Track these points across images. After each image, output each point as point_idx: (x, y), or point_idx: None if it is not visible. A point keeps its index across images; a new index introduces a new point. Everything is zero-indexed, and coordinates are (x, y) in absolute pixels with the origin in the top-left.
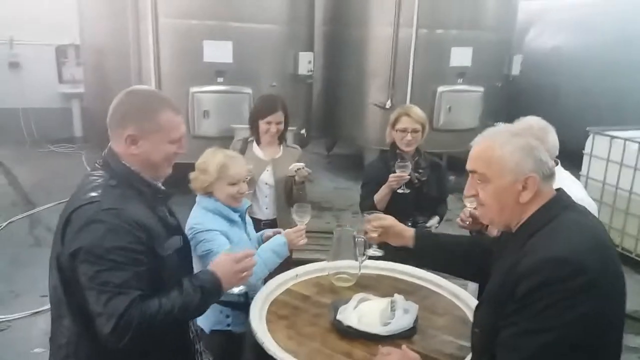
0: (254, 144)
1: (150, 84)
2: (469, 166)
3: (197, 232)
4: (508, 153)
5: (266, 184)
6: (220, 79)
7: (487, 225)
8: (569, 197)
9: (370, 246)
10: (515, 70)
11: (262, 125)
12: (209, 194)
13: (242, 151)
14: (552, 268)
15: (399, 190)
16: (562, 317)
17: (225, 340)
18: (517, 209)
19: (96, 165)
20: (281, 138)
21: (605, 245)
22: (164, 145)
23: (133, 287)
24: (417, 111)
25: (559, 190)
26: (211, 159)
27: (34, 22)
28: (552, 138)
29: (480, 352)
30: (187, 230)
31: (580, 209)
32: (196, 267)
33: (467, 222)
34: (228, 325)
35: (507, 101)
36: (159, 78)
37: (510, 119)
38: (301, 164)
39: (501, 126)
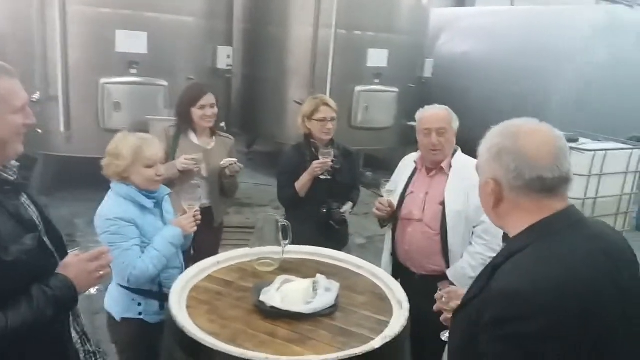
0: (190, 132)
1: (56, 74)
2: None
3: (104, 220)
4: (483, 151)
5: (200, 175)
6: (133, 70)
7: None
8: (571, 218)
9: (286, 237)
10: (428, 72)
11: (196, 111)
12: (123, 179)
13: (177, 137)
14: (504, 303)
15: (322, 177)
16: None
17: (137, 329)
18: (492, 211)
19: None
20: (214, 128)
21: (594, 278)
22: (7, 118)
23: None
24: (332, 101)
25: (565, 210)
26: (124, 143)
27: None
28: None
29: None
30: (95, 218)
31: (587, 232)
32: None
33: (385, 212)
34: (140, 313)
35: (420, 102)
36: (67, 67)
37: None
38: (233, 160)
39: (508, 122)
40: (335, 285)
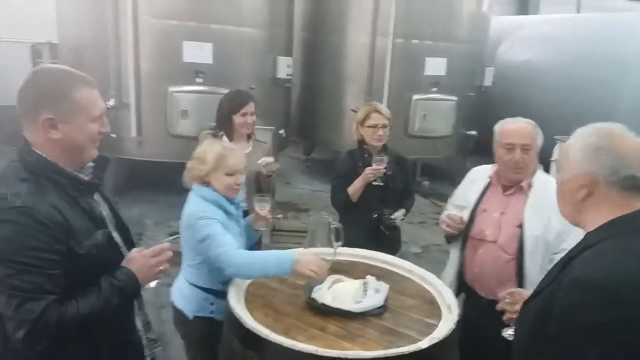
0: (224, 138)
1: (128, 83)
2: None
3: (198, 219)
4: (578, 148)
5: None
6: (199, 80)
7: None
8: None
9: (338, 239)
10: (488, 81)
11: (238, 118)
12: (204, 183)
13: None
14: (581, 291)
15: (374, 183)
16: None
17: (208, 327)
18: (575, 205)
19: (13, 159)
20: (250, 134)
21: None
22: (86, 125)
23: (47, 290)
24: (384, 107)
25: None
26: (210, 149)
27: (9, 19)
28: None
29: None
30: (186, 218)
31: None
32: (191, 257)
33: (457, 229)
34: (212, 312)
35: (480, 111)
36: (139, 77)
37: (481, 127)
38: (270, 158)
39: (599, 124)
40: (384, 287)
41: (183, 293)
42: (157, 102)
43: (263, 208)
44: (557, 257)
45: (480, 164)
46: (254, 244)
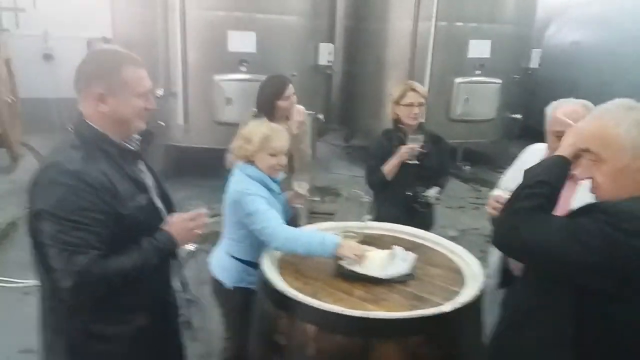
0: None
1: (176, 73)
2: (582, 144)
3: (245, 195)
4: (624, 130)
5: None
6: (243, 68)
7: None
8: None
9: (369, 212)
10: (534, 63)
11: (282, 103)
12: (249, 162)
13: None
14: (615, 211)
15: (410, 161)
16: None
17: (245, 296)
18: (637, 188)
19: (69, 128)
20: (289, 115)
21: None
22: (131, 100)
23: (93, 246)
24: (420, 86)
25: None
26: (256, 130)
27: (67, 16)
28: None
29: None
30: (232, 194)
31: None
32: (234, 232)
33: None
34: (250, 283)
35: (525, 94)
36: (186, 67)
37: (527, 111)
38: (304, 185)
39: (614, 101)
40: (411, 256)
41: (224, 265)
42: (203, 91)
43: (302, 187)
44: None
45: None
46: (290, 222)
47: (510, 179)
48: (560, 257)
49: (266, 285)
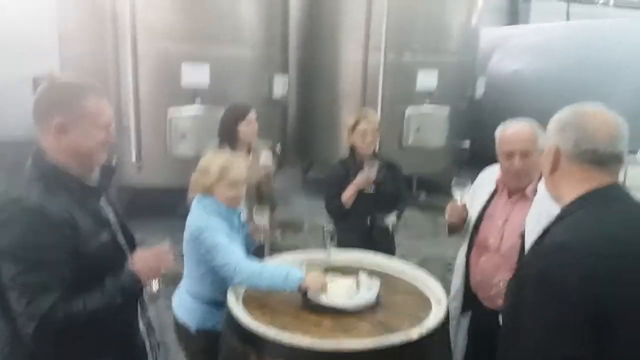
0: (228, 151)
1: (128, 106)
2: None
3: (203, 230)
4: (550, 123)
5: None
6: (197, 101)
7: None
8: (616, 193)
9: (332, 239)
10: (479, 92)
11: (243, 127)
12: (208, 195)
13: None
14: (550, 254)
15: (366, 191)
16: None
17: (211, 338)
18: (548, 178)
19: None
20: (250, 145)
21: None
22: (93, 131)
23: (55, 287)
24: (373, 114)
25: (611, 185)
26: (214, 160)
27: (11, 52)
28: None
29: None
30: (191, 231)
31: (633, 206)
32: (195, 270)
33: (459, 216)
34: (215, 324)
35: (473, 121)
36: (138, 101)
37: (475, 137)
38: (267, 162)
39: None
40: (376, 283)
41: (186, 306)
42: (156, 126)
43: (261, 220)
44: None
45: (476, 175)
46: (253, 255)
47: (470, 197)
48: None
49: (232, 321)
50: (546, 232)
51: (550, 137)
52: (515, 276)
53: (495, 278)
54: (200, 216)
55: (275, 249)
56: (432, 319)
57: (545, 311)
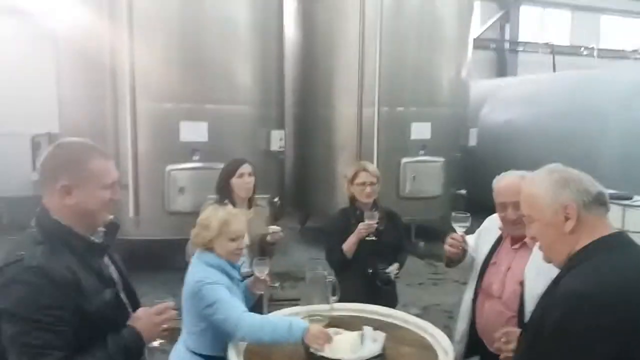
0: (229, 206)
1: (127, 165)
2: (522, 211)
3: (204, 285)
4: (543, 189)
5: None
6: (195, 157)
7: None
8: (624, 239)
9: (334, 293)
10: (472, 141)
11: (236, 181)
12: (208, 250)
13: None
14: (569, 303)
15: (368, 238)
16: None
17: None
18: (566, 240)
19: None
20: (251, 199)
21: None
22: (98, 192)
23: (57, 347)
24: (372, 166)
25: (619, 232)
26: (213, 215)
27: (10, 111)
28: None
29: None
30: (191, 285)
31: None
32: (194, 325)
33: (459, 248)
34: None
35: (467, 170)
36: (136, 158)
37: (470, 186)
38: (278, 228)
39: (542, 168)
40: (381, 336)
41: None
42: (154, 181)
43: (262, 272)
44: None
45: (474, 222)
46: (252, 310)
47: (472, 244)
48: None
49: None
50: (557, 281)
51: (551, 202)
52: (525, 329)
53: (498, 324)
54: (201, 271)
55: (275, 300)
56: None
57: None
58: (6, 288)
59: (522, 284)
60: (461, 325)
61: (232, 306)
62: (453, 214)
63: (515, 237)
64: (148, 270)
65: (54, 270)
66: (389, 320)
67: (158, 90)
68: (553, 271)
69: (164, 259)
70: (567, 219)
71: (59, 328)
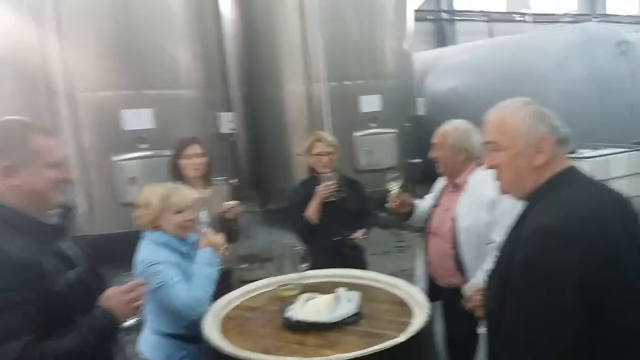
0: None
1: (72, 159)
2: (485, 138)
3: (148, 266)
4: (520, 118)
5: (203, 222)
6: (143, 145)
7: (411, 212)
8: (579, 172)
9: (304, 261)
10: (421, 111)
11: (184, 162)
12: (156, 228)
13: None
14: (539, 239)
15: (329, 200)
16: (552, 291)
17: None
18: (533, 173)
19: None
20: (206, 178)
21: (610, 218)
22: (43, 171)
23: (26, 329)
24: (328, 136)
25: (572, 166)
26: (152, 192)
27: None
28: (476, 139)
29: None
30: (138, 264)
31: (594, 184)
32: (151, 304)
33: (395, 204)
34: (182, 358)
35: (419, 139)
36: (81, 152)
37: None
38: (234, 202)
39: (512, 99)
40: (356, 295)
41: (150, 343)
42: (103, 174)
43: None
44: (491, 248)
45: (430, 191)
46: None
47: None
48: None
49: (211, 351)
50: (521, 219)
51: (526, 132)
52: (494, 267)
53: (440, 257)
54: (147, 250)
55: (244, 282)
56: (416, 323)
57: (535, 296)
58: None
59: (454, 219)
60: (419, 267)
61: (171, 286)
62: (387, 175)
63: (450, 182)
64: (105, 266)
65: (10, 252)
66: (360, 281)
67: (94, 79)
68: (480, 204)
69: (120, 253)
70: (537, 152)
71: (26, 309)
